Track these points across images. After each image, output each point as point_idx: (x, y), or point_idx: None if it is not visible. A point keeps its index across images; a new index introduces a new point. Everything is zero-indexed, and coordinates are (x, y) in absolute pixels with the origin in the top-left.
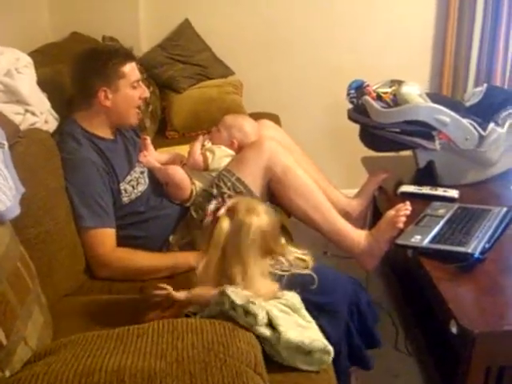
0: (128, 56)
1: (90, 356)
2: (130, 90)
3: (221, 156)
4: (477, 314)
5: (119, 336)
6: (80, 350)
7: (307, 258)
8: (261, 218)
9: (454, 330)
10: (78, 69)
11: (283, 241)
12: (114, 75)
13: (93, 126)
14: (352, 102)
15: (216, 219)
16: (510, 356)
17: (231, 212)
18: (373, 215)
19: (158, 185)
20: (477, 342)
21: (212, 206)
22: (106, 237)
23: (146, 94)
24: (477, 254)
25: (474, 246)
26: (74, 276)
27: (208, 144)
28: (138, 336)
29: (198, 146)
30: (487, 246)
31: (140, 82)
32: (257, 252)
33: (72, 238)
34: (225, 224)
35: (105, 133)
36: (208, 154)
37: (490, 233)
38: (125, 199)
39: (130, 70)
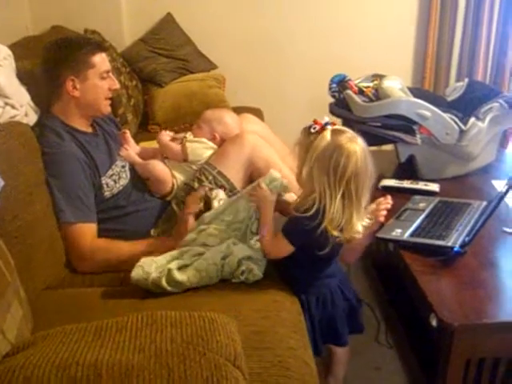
0: (98, 46)
1: (68, 349)
2: (98, 81)
3: (201, 147)
4: (456, 307)
5: (97, 329)
6: (58, 343)
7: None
8: (359, 151)
9: (433, 322)
10: (46, 58)
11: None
12: (83, 65)
13: (69, 118)
14: (334, 96)
15: (322, 130)
16: (490, 348)
17: (337, 132)
18: None
19: (140, 179)
20: (456, 335)
21: (326, 118)
22: (87, 231)
23: (116, 85)
24: (457, 248)
25: (454, 240)
26: (55, 269)
27: (190, 137)
28: (116, 330)
29: (163, 136)
30: (467, 239)
31: (110, 74)
32: (339, 180)
33: (52, 231)
34: (327, 136)
35: (83, 125)
36: (188, 144)
37: (469, 226)
38: (106, 193)
39: (100, 60)
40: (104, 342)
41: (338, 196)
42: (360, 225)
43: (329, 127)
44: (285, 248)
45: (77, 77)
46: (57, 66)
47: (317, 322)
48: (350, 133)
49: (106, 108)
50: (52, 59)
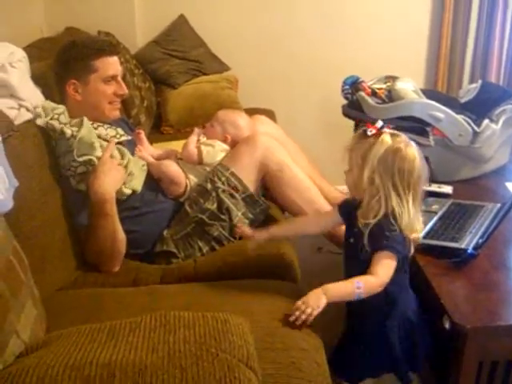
0: (104, 50)
1: (82, 349)
2: (101, 85)
3: (216, 150)
4: (469, 309)
5: (111, 330)
6: (72, 343)
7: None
8: (418, 155)
9: (446, 325)
10: (54, 60)
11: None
12: (85, 69)
13: None
14: (347, 98)
15: (379, 134)
16: (503, 351)
17: (395, 136)
18: None
19: (153, 180)
20: (469, 338)
21: (381, 122)
22: None
23: (123, 91)
24: (470, 250)
25: (468, 242)
26: (68, 270)
27: (203, 139)
28: (129, 330)
29: (193, 138)
30: (480, 241)
31: (118, 78)
32: (402, 184)
33: (66, 232)
34: (387, 139)
35: None
36: (203, 147)
37: (483, 229)
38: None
39: (105, 64)
40: (117, 343)
41: (410, 200)
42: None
43: (386, 130)
44: (390, 265)
45: (78, 80)
46: (61, 68)
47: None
48: (404, 136)
49: (111, 113)
50: (57, 62)
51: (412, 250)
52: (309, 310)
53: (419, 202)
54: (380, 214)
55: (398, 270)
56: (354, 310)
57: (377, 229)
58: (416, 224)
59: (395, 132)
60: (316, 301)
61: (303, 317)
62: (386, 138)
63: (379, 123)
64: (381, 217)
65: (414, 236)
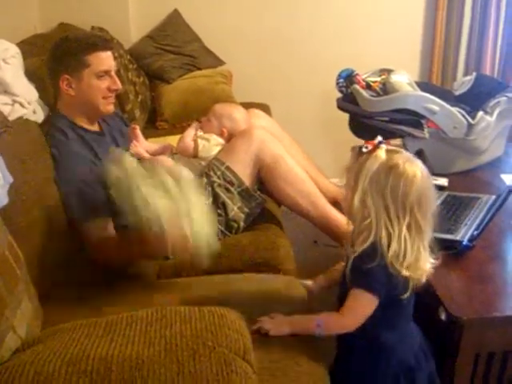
0: (97, 45)
1: (78, 344)
2: (94, 80)
3: (211, 144)
4: (465, 300)
5: (108, 324)
6: (68, 338)
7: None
8: (420, 173)
9: (442, 316)
10: (47, 56)
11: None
12: (77, 64)
13: (73, 116)
14: (341, 91)
15: (374, 149)
16: (499, 342)
17: (392, 151)
18: None
19: None
20: (465, 329)
21: (379, 138)
22: (96, 227)
23: (116, 86)
24: (465, 242)
25: (463, 234)
26: (64, 266)
27: (200, 132)
28: (126, 324)
29: (191, 132)
30: (476, 233)
31: (112, 73)
32: (401, 208)
33: (61, 228)
34: (381, 155)
35: (88, 124)
36: (200, 141)
37: (478, 220)
38: None
39: (98, 59)
40: (114, 337)
41: (404, 227)
42: (428, 263)
43: (383, 146)
44: (361, 307)
45: (71, 76)
46: (54, 64)
47: None
48: (406, 153)
49: (106, 108)
50: (51, 57)
51: (408, 291)
52: (267, 327)
53: (421, 231)
54: (368, 242)
55: (390, 313)
56: (340, 355)
57: (358, 260)
58: (418, 258)
59: (394, 148)
60: (278, 326)
61: (262, 331)
62: (381, 153)
63: (377, 139)
64: (368, 245)
65: (412, 274)
